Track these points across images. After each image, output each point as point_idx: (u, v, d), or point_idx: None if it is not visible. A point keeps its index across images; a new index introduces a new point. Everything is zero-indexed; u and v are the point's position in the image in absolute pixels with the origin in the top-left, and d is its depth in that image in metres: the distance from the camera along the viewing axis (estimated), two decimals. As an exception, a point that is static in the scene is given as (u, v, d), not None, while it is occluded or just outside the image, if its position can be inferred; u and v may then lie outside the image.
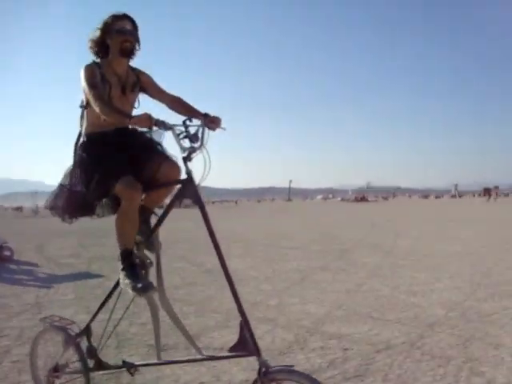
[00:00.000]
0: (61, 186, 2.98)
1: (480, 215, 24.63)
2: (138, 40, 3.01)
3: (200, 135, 2.69)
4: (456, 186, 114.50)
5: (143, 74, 3.18)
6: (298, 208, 48.68)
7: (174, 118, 2.93)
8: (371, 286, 5.85)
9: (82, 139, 3.02)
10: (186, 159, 2.67)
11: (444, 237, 12.02)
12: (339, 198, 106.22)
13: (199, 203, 2.63)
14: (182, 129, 2.67)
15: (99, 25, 2.96)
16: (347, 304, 4.95)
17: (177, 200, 2.84)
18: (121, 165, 2.77)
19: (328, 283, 6.07)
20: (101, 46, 2.98)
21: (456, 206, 40.61)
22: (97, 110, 2.70)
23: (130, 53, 2.97)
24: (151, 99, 3.21)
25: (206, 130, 2.77)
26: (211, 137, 2.76)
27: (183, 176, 2.73)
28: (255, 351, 2.25)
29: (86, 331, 2.92)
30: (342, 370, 3.10)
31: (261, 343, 2.31)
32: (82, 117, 3.05)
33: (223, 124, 2.91)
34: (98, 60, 2.99)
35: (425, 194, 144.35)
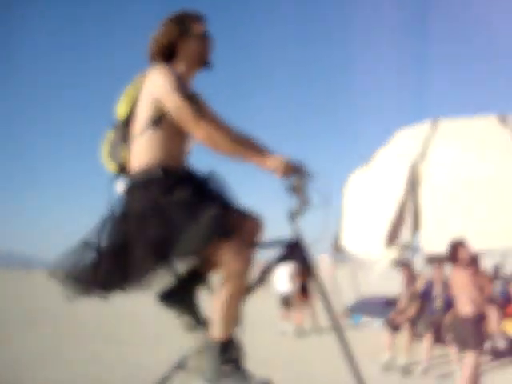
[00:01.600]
0: (96, 245, 2.02)
1: None
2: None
3: (302, 186, 2.21)
4: None
5: (201, 97, 2.38)
6: None
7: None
8: None
9: (141, 175, 2.06)
10: (295, 216, 2.21)
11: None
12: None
13: (310, 271, 2.22)
14: None
15: (173, 22, 2.21)
16: None
17: (275, 266, 2.28)
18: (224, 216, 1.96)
19: None
20: (170, 50, 2.22)
21: None
22: (201, 133, 1.99)
23: (209, 65, 2.29)
24: None
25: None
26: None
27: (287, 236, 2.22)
28: None
29: None
30: None
31: None
32: (121, 141, 2.19)
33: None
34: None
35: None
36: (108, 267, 1.99)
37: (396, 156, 8.17)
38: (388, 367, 6.04)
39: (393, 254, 6.89)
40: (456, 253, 4.87)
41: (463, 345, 4.87)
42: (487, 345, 6.38)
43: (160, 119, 2.08)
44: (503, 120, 7.84)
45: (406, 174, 7.35)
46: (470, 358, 4.61)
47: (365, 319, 8.46)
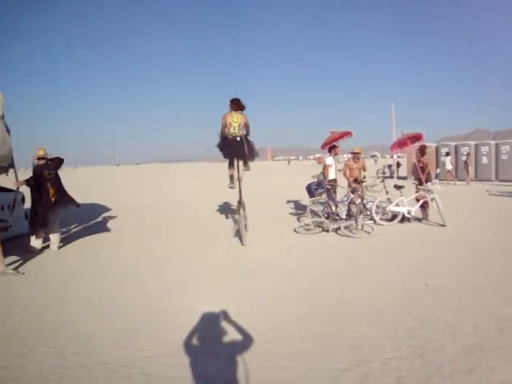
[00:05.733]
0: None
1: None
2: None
3: None
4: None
5: None
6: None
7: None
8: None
9: (243, 136, 9.58)
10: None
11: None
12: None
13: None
14: None
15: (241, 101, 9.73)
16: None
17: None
18: None
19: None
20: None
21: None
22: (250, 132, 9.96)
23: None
24: None
25: None
26: None
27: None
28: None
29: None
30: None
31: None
32: (239, 128, 9.62)
33: None
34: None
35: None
36: (226, 151, 9.73)
37: None
38: None
39: None
40: None
41: None
42: None
43: (245, 128, 9.72)
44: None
45: None
46: None
47: None
